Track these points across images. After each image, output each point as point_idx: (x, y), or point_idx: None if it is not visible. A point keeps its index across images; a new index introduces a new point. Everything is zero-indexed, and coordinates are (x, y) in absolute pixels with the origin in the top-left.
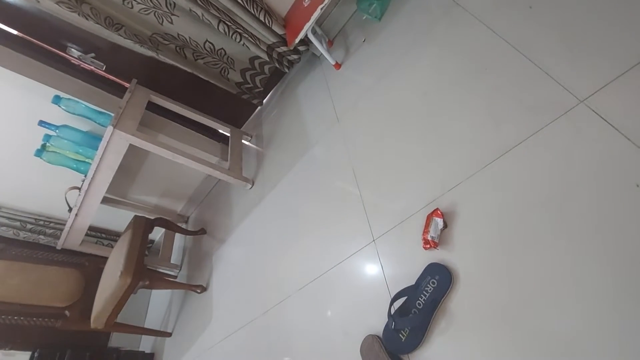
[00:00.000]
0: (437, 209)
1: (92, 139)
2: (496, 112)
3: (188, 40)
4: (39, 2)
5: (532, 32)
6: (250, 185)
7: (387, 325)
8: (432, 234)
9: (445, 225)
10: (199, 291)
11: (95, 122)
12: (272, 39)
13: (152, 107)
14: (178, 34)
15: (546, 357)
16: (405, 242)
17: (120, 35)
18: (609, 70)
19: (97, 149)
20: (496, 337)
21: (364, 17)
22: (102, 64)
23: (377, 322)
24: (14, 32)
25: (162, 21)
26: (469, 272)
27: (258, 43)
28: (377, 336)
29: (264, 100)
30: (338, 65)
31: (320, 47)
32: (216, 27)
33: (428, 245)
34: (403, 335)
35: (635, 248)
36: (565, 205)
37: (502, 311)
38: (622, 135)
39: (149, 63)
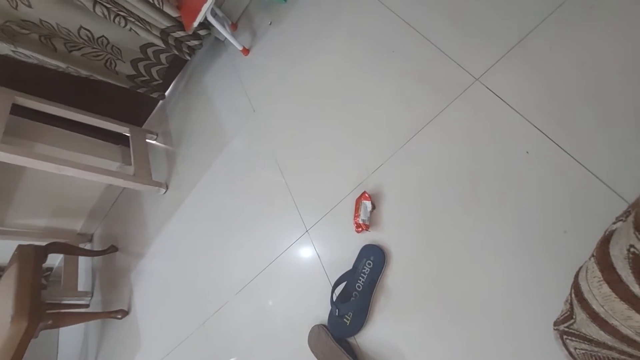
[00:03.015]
0: (364, 192)
1: None
2: (405, 93)
3: (56, 27)
4: None
5: (429, 14)
6: (164, 190)
7: (331, 313)
8: (362, 217)
9: (374, 207)
10: (119, 317)
11: None
12: (165, 23)
13: (20, 111)
14: (41, 21)
15: (476, 317)
16: (338, 228)
17: None
18: (496, 49)
19: None
20: (430, 305)
21: None
22: None
23: (321, 312)
24: None
25: (17, 5)
26: (399, 248)
27: (149, 28)
28: (323, 325)
29: (166, 93)
30: (246, 51)
31: (223, 31)
32: (92, 10)
33: (360, 229)
34: (347, 320)
35: (531, 206)
36: (473, 175)
37: (432, 280)
38: (511, 109)
39: (5, 56)
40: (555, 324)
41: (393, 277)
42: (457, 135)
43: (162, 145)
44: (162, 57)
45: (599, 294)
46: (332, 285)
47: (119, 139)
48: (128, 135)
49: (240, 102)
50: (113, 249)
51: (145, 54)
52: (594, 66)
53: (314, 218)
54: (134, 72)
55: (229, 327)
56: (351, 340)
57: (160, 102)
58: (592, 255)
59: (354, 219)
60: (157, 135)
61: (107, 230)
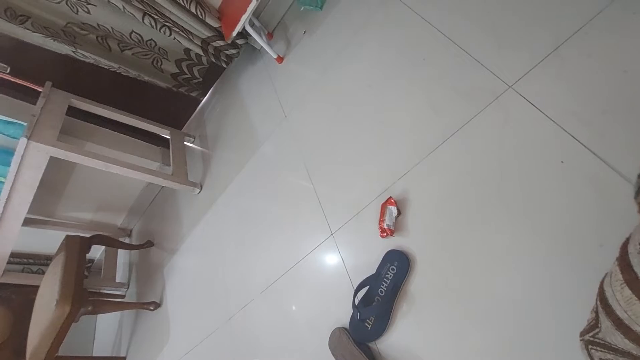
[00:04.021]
0: (390, 197)
1: (2, 154)
2: (435, 101)
3: (111, 30)
4: None
5: (462, 22)
6: (199, 190)
7: (352, 316)
8: (387, 222)
9: (399, 213)
10: (152, 308)
11: (4, 134)
12: (206, 33)
13: (74, 112)
14: (98, 24)
15: (501, 326)
16: (363, 233)
17: (27, 29)
18: (531, 57)
19: (9, 166)
20: (454, 313)
21: (302, 9)
22: (6, 65)
23: (343, 314)
24: None
25: (77, 11)
26: (424, 254)
27: (191, 38)
28: (344, 328)
29: (205, 99)
30: (280, 59)
31: (260, 40)
32: (141, 20)
33: (385, 234)
34: (369, 324)
35: (563, 217)
36: (502, 184)
37: (456, 288)
38: (546, 117)
39: (65, 62)
40: (581, 334)
41: (416, 284)
42: (487, 142)
43: (199, 147)
44: (204, 58)
45: (622, 297)
46: (355, 288)
47: (160, 141)
48: (168, 137)
49: (272, 107)
50: (149, 244)
51: (188, 55)
52: (637, 74)
53: (340, 222)
54: (177, 71)
55: (253, 325)
56: (372, 345)
57: (199, 107)
58: (616, 259)
59: (379, 224)
60: (194, 138)
61: (144, 226)
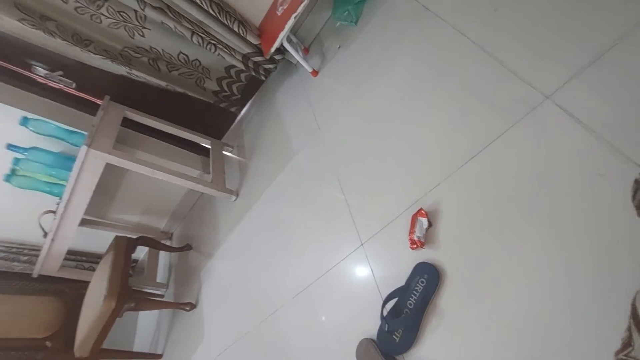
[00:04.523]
0: (421, 208)
1: (65, 160)
2: (468, 113)
3: (161, 52)
4: (2, 19)
5: (497, 33)
6: (235, 197)
7: (380, 328)
8: (417, 234)
9: (430, 224)
10: (188, 309)
11: (68, 142)
12: (247, 49)
13: (127, 123)
14: (150, 47)
15: (532, 344)
16: (392, 244)
17: (90, 52)
18: (570, 67)
19: (70, 170)
20: (484, 330)
21: (338, 24)
22: (71, 81)
23: (370, 325)
24: None
25: (134, 35)
26: (454, 268)
27: (233, 53)
28: (372, 339)
29: (243, 111)
30: (315, 73)
31: (296, 55)
32: (190, 39)
33: (415, 245)
34: (397, 336)
35: (600, 232)
36: (536, 197)
37: (487, 304)
38: (585, 128)
39: (121, 78)
40: (616, 353)
41: (446, 297)
42: (522, 155)
43: (237, 157)
44: (242, 75)
45: None
46: (383, 300)
47: (201, 150)
48: (209, 147)
49: (307, 120)
50: (188, 247)
51: (228, 73)
52: None
53: (370, 232)
54: (218, 88)
55: (283, 330)
56: (399, 358)
57: (238, 118)
58: None
59: (409, 236)
60: (233, 147)
61: (184, 230)
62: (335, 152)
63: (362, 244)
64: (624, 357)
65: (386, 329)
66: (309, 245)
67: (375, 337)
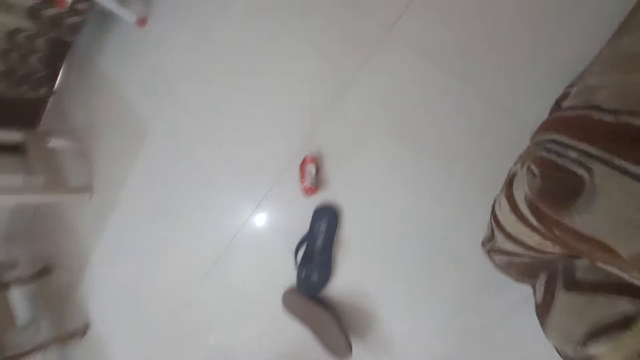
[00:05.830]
0: (305, 156)
1: None
2: (326, 54)
3: None
4: None
5: None
6: (90, 195)
7: (298, 275)
8: (308, 181)
9: (318, 169)
10: (79, 337)
11: None
12: (29, 0)
13: None
14: None
15: (422, 242)
16: (288, 197)
17: None
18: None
19: None
20: (386, 247)
21: None
22: None
23: (289, 277)
24: None
25: None
26: (349, 201)
27: (10, 10)
28: (292, 288)
29: (56, 86)
30: (143, 21)
31: (108, 2)
32: None
33: (309, 193)
34: (315, 277)
35: (445, 138)
36: (400, 126)
37: (384, 224)
38: (424, 58)
39: None
40: (483, 244)
41: (348, 229)
42: (380, 88)
43: (71, 145)
44: (38, 42)
45: (510, 220)
46: (294, 249)
47: (16, 149)
48: (23, 140)
49: (149, 81)
50: (46, 271)
51: (14, 41)
52: None
53: (263, 191)
54: (4, 68)
55: (203, 312)
56: (322, 294)
57: (51, 97)
58: (502, 190)
59: (302, 184)
60: (60, 135)
61: (31, 252)
62: (198, 113)
63: (258, 204)
64: (490, 248)
65: (303, 274)
66: (203, 220)
67: (295, 286)
